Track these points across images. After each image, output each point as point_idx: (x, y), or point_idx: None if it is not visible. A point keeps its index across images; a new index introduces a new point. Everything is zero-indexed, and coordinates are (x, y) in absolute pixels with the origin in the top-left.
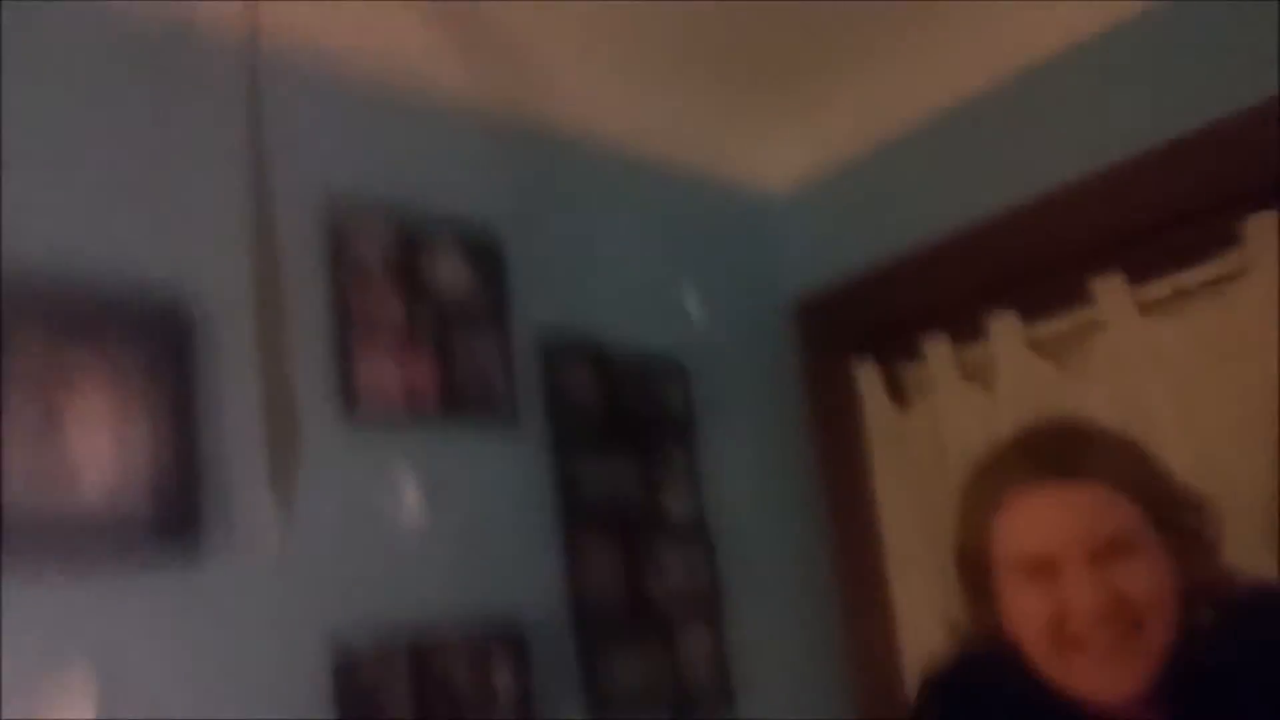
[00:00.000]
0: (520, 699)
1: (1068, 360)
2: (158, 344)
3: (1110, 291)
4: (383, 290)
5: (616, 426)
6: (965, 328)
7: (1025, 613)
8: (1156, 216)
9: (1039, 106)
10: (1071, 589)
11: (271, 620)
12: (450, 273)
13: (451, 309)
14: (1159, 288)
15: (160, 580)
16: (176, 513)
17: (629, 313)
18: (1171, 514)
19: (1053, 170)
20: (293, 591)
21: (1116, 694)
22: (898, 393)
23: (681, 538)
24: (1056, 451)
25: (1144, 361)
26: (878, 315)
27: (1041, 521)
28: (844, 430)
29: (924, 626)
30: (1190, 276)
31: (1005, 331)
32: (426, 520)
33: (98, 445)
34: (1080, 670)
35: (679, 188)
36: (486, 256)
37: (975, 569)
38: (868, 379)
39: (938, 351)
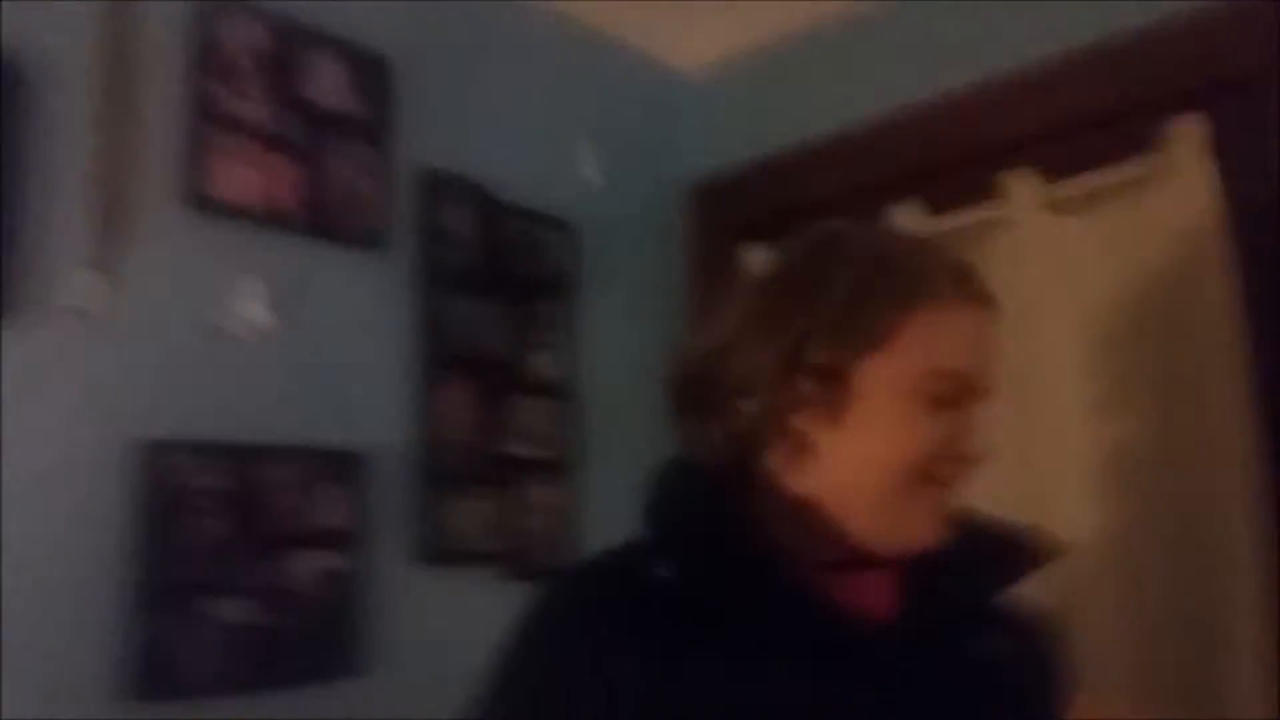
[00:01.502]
0: (346, 531)
1: (971, 253)
2: None
3: (1022, 188)
4: (250, 90)
5: (493, 275)
6: (866, 220)
7: (908, 438)
8: (1076, 117)
9: (963, 3)
10: (971, 430)
11: (82, 403)
12: (330, 85)
13: (326, 121)
14: (1072, 187)
15: None
16: None
17: (520, 163)
18: None
19: (973, 68)
20: (110, 375)
21: (929, 545)
22: None
23: (544, 394)
24: (981, 278)
25: (1048, 256)
26: (776, 202)
27: (976, 343)
28: None
29: None
30: (1105, 177)
31: (905, 222)
32: (272, 334)
33: None
34: (917, 514)
35: (589, 49)
36: (372, 75)
37: (813, 364)
38: (756, 263)
39: None
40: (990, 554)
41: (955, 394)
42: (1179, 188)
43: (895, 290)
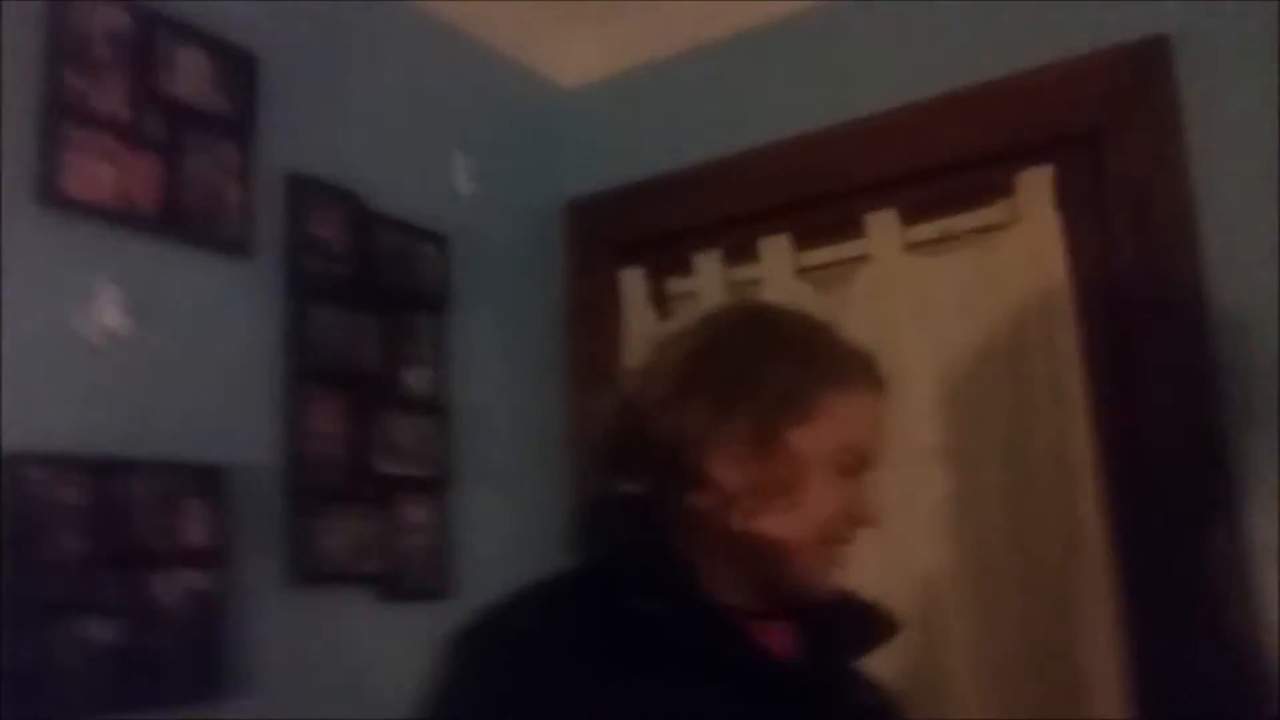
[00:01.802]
0: (212, 550)
1: (832, 289)
2: None
3: (881, 227)
4: (108, 81)
5: (363, 284)
6: (739, 248)
7: (829, 501)
8: (935, 161)
9: (837, 40)
10: (870, 498)
11: None
12: (193, 75)
13: (188, 118)
14: (929, 229)
15: None
16: None
17: (393, 171)
18: None
19: (842, 105)
20: None
21: (827, 593)
22: (663, 304)
23: (416, 410)
24: (880, 368)
25: (903, 296)
26: (652, 224)
27: (877, 427)
28: (601, 331)
29: None
30: (961, 222)
31: (775, 255)
32: (127, 340)
33: None
34: (827, 565)
35: (470, 59)
36: (238, 71)
37: (756, 428)
38: (632, 285)
39: (707, 266)
40: (858, 620)
41: (857, 465)
42: (1027, 234)
43: (821, 374)
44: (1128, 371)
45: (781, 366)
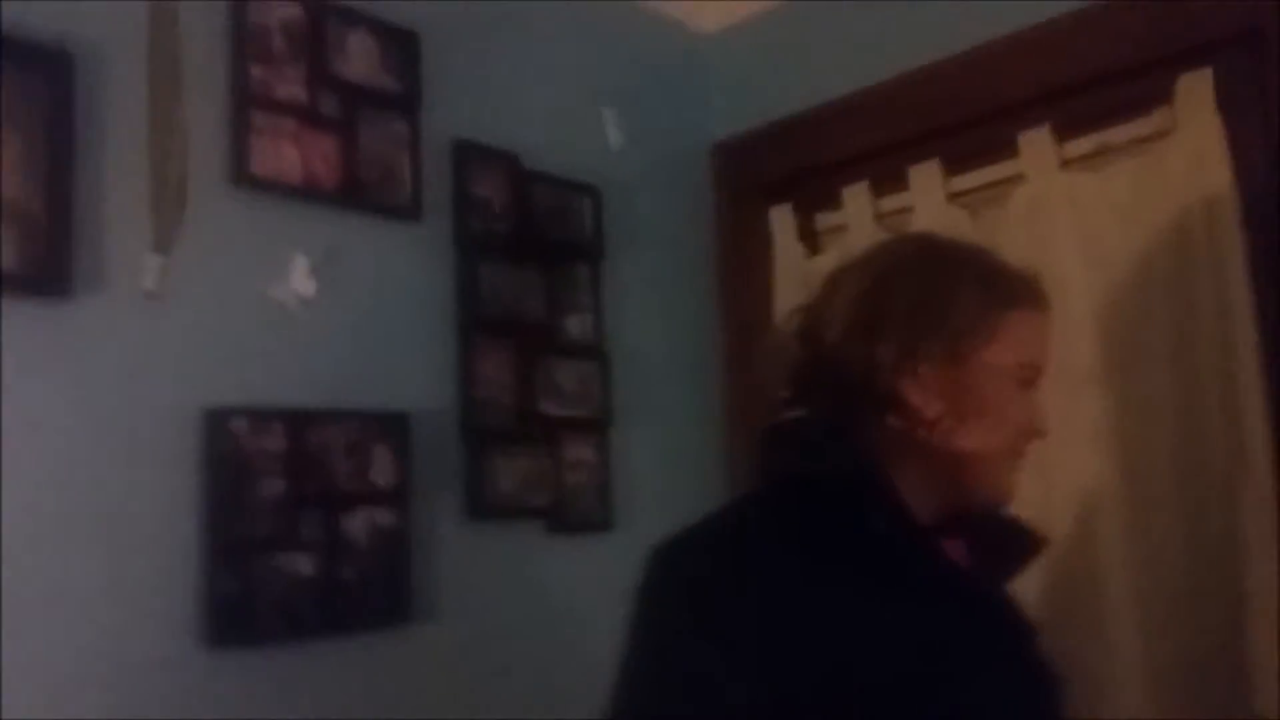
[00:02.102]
0: (397, 489)
1: (986, 212)
2: (39, 82)
3: (1035, 145)
4: (286, 67)
5: (524, 239)
6: (887, 178)
7: (1018, 413)
8: (1088, 73)
9: None
10: (1043, 410)
11: (144, 373)
12: (361, 57)
13: (359, 94)
14: (1085, 144)
15: (29, 314)
16: (52, 257)
17: (546, 129)
18: None
19: (987, 25)
20: (169, 348)
21: (1011, 500)
22: (811, 240)
23: (577, 355)
24: (1045, 289)
25: (1060, 215)
26: (798, 161)
27: (1047, 342)
28: (752, 272)
29: None
30: (1117, 134)
31: (925, 182)
32: (316, 304)
33: None
34: (1014, 475)
35: (609, 14)
36: (401, 46)
37: (942, 344)
38: (781, 222)
39: (856, 199)
40: (1012, 536)
41: (1034, 378)
42: (1188, 142)
43: (998, 296)
44: None
45: (962, 292)
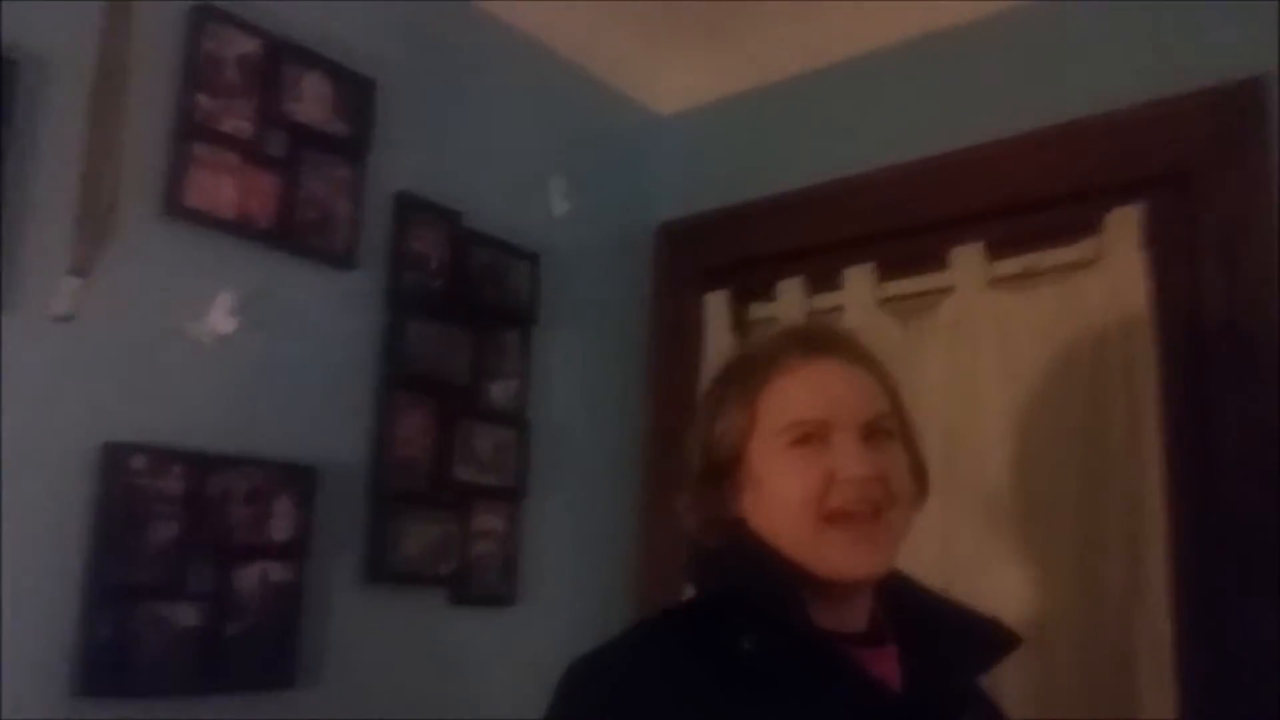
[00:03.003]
0: (295, 544)
1: (913, 320)
2: None
3: (966, 260)
4: (236, 100)
5: (457, 299)
6: (823, 276)
7: (792, 483)
8: (1023, 197)
9: (930, 75)
10: (843, 457)
11: (47, 399)
12: (315, 99)
13: (306, 135)
14: (1014, 264)
15: None
16: None
17: (492, 191)
18: (907, 427)
19: (933, 140)
20: (75, 376)
21: (863, 573)
22: (744, 329)
23: (498, 421)
24: (826, 336)
25: (984, 330)
26: (739, 250)
27: (819, 388)
28: (682, 355)
29: None
30: (1045, 258)
31: (859, 284)
32: (234, 344)
33: None
34: (835, 545)
35: (567, 83)
36: (356, 92)
37: (720, 461)
38: (715, 309)
39: (790, 293)
40: (970, 639)
41: (816, 433)
42: (1112, 273)
43: (747, 381)
44: (1208, 421)
45: (718, 400)
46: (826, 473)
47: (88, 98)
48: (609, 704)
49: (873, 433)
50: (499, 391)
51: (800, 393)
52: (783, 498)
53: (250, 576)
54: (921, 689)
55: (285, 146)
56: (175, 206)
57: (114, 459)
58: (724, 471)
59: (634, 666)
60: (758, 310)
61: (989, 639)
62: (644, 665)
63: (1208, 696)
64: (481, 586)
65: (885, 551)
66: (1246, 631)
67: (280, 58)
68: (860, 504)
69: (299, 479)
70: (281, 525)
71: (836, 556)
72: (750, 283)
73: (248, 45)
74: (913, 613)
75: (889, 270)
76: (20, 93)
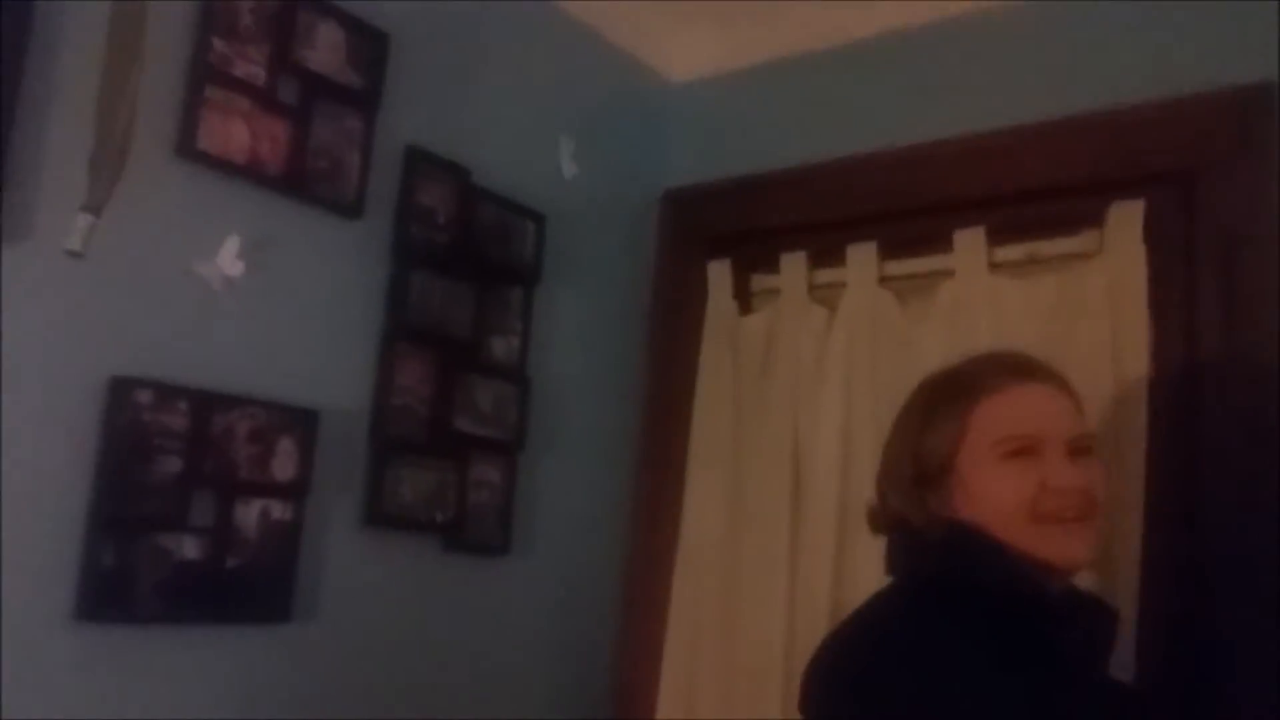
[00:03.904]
0: (295, 484)
1: (913, 301)
2: None
3: (968, 244)
4: (250, 46)
5: (462, 254)
6: (826, 251)
7: (1006, 490)
8: (1028, 184)
9: (942, 60)
10: (1054, 469)
11: (55, 332)
12: (328, 49)
13: (319, 84)
14: (1015, 251)
15: None
16: None
17: (501, 149)
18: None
19: (943, 124)
20: (84, 311)
21: (1080, 560)
22: (745, 299)
23: (498, 375)
24: (1030, 362)
25: (983, 314)
26: (744, 220)
27: (1031, 408)
28: (683, 320)
29: (707, 515)
30: (1047, 247)
31: (861, 262)
32: (242, 286)
33: None
34: (1052, 538)
35: (581, 45)
36: (370, 43)
37: (932, 468)
38: (718, 277)
39: (793, 267)
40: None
41: (1029, 447)
42: (1112, 266)
43: (958, 399)
44: (1197, 418)
45: (928, 412)
46: (1039, 482)
47: (105, 37)
48: (924, 690)
49: (1077, 449)
50: (500, 347)
51: (1014, 411)
52: (997, 501)
53: (251, 513)
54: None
55: (297, 94)
56: (187, 149)
57: (120, 393)
58: (934, 477)
59: (926, 651)
60: (760, 282)
61: (1105, 615)
62: (933, 648)
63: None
64: (476, 535)
65: (1093, 547)
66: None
67: (296, 6)
68: (1068, 510)
69: (301, 421)
70: (283, 465)
71: (1055, 547)
72: (753, 253)
73: None
74: None
75: (891, 250)
76: (40, 30)
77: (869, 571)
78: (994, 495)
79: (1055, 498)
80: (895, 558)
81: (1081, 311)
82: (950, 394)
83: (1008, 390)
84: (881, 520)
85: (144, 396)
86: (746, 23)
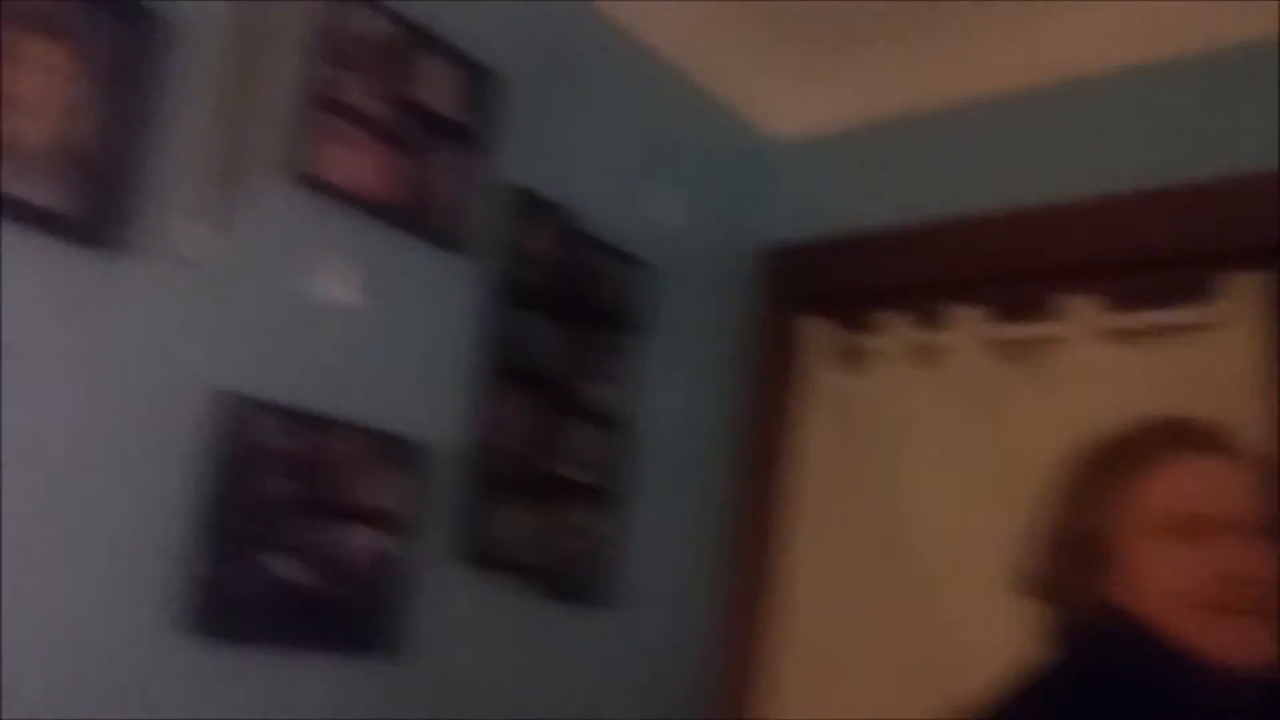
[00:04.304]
0: (396, 515)
1: (1018, 367)
2: (131, 34)
3: (1081, 311)
4: (373, 81)
5: (565, 297)
6: (929, 313)
7: (1173, 573)
8: (1139, 253)
9: (1053, 123)
10: (1231, 554)
11: (168, 342)
12: (444, 90)
13: (436, 125)
14: (1129, 319)
15: (70, 258)
16: (105, 206)
17: (607, 196)
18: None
19: (1053, 185)
20: (198, 324)
21: (1255, 657)
22: (850, 358)
23: (597, 421)
24: (1205, 429)
25: (1097, 385)
26: (845, 279)
27: (1208, 483)
28: (780, 374)
29: (805, 574)
30: (1165, 316)
31: (966, 325)
32: (354, 313)
33: (43, 125)
34: (1226, 632)
35: (687, 97)
36: (483, 87)
37: (1090, 541)
38: (817, 335)
39: (895, 329)
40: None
41: (1201, 527)
42: (1231, 341)
43: (1122, 468)
44: None
45: (1087, 483)
46: (1214, 569)
47: (226, 59)
48: None
49: (1256, 531)
50: (600, 392)
51: (1187, 486)
52: (1164, 587)
53: (352, 540)
54: None
55: (413, 129)
56: (306, 175)
57: (229, 409)
58: (1091, 551)
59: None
60: (860, 341)
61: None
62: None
63: None
64: (569, 583)
65: (1268, 639)
66: None
67: (412, 42)
68: (1245, 602)
69: (404, 451)
70: (384, 495)
71: (1224, 642)
72: (854, 313)
73: (382, 27)
74: None
75: (998, 314)
76: (171, 50)
77: (979, 638)
78: (1159, 580)
79: (1232, 586)
80: (1043, 632)
81: (1196, 385)
82: (1116, 462)
83: (1178, 462)
84: (1028, 587)
85: (251, 414)
86: (852, 80)
